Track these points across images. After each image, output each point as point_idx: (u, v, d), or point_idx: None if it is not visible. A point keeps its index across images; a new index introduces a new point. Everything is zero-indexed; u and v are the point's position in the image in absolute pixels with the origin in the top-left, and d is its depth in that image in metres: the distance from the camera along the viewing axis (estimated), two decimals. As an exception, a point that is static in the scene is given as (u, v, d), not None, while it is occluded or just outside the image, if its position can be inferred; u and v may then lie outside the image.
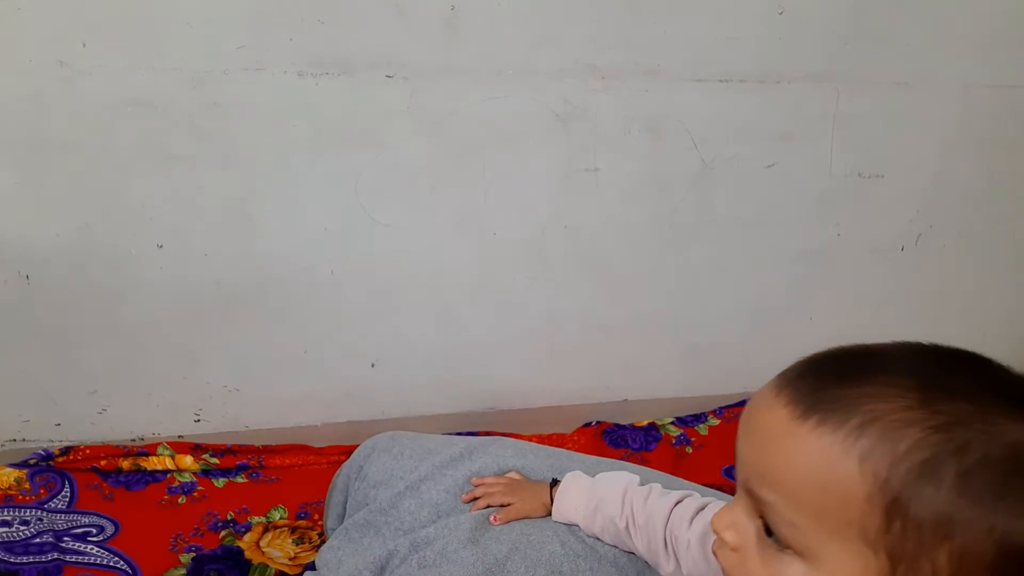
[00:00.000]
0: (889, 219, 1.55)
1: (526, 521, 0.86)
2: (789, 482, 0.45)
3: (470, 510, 0.88)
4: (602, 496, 0.83)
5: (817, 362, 0.47)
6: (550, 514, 0.87)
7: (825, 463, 0.43)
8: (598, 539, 0.83)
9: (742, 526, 0.49)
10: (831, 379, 0.45)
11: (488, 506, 0.88)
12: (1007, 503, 0.40)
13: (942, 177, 1.54)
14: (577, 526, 0.85)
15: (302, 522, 1.24)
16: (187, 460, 1.32)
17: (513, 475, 0.93)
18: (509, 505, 0.87)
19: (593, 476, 0.87)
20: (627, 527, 0.79)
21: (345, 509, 0.98)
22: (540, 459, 0.96)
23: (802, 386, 0.46)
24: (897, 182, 1.52)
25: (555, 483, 0.89)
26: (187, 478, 1.30)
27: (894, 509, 0.42)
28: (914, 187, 1.54)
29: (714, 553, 0.52)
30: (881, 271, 1.59)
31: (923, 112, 1.48)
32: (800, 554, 0.45)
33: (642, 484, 0.83)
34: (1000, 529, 0.40)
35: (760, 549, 0.48)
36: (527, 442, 1.04)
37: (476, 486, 0.91)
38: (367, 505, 0.92)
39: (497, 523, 0.85)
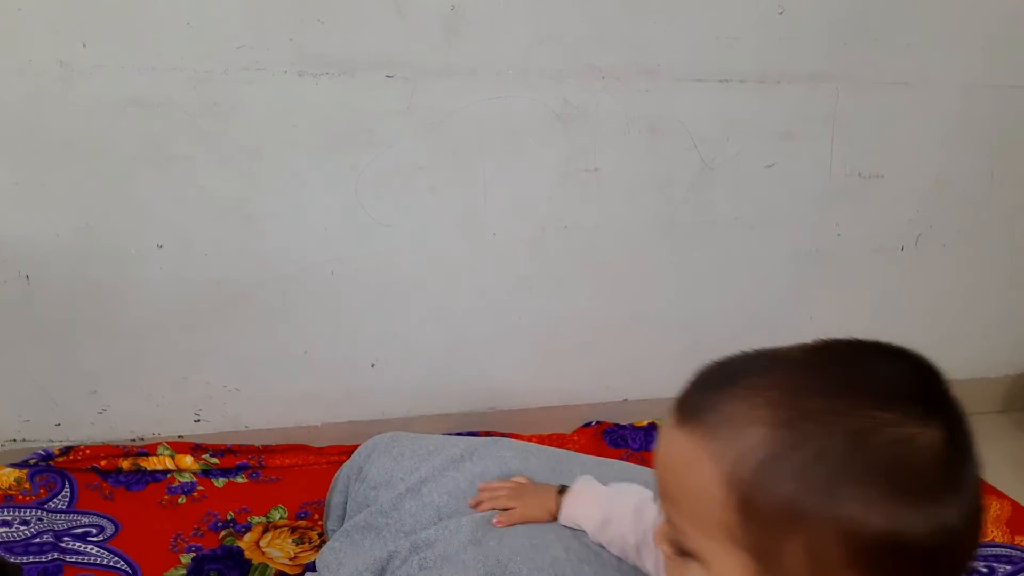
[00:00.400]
0: (889, 219, 1.55)
1: (530, 524, 0.85)
2: (670, 489, 0.46)
3: (475, 512, 0.87)
4: (614, 510, 0.82)
5: (704, 369, 0.48)
6: (554, 519, 0.86)
7: (689, 466, 0.44)
8: (603, 547, 0.83)
9: (667, 537, 0.49)
10: (705, 385, 0.47)
11: (492, 509, 0.87)
12: (846, 492, 0.41)
13: (942, 177, 1.54)
14: (583, 531, 0.84)
15: (302, 522, 1.24)
16: (187, 460, 1.32)
17: (519, 479, 0.92)
18: (513, 508, 0.87)
19: (594, 477, 0.87)
20: (637, 545, 0.78)
21: (345, 510, 0.98)
22: (541, 460, 0.96)
23: (683, 394, 0.47)
24: (897, 182, 1.52)
25: (563, 489, 0.88)
26: (187, 478, 1.30)
27: (746, 507, 0.43)
28: (914, 187, 1.54)
29: None
30: (881, 271, 1.59)
31: (923, 112, 1.48)
32: (698, 559, 0.46)
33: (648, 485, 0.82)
34: (843, 518, 0.41)
35: (677, 557, 0.48)
36: (528, 443, 1.04)
37: (481, 490, 0.90)
38: (368, 507, 0.92)
39: (500, 525, 0.85)
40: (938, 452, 0.43)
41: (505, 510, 0.87)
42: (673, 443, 0.46)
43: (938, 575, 0.43)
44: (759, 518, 0.43)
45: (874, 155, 1.49)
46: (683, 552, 0.47)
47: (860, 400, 0.43)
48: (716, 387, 0.46)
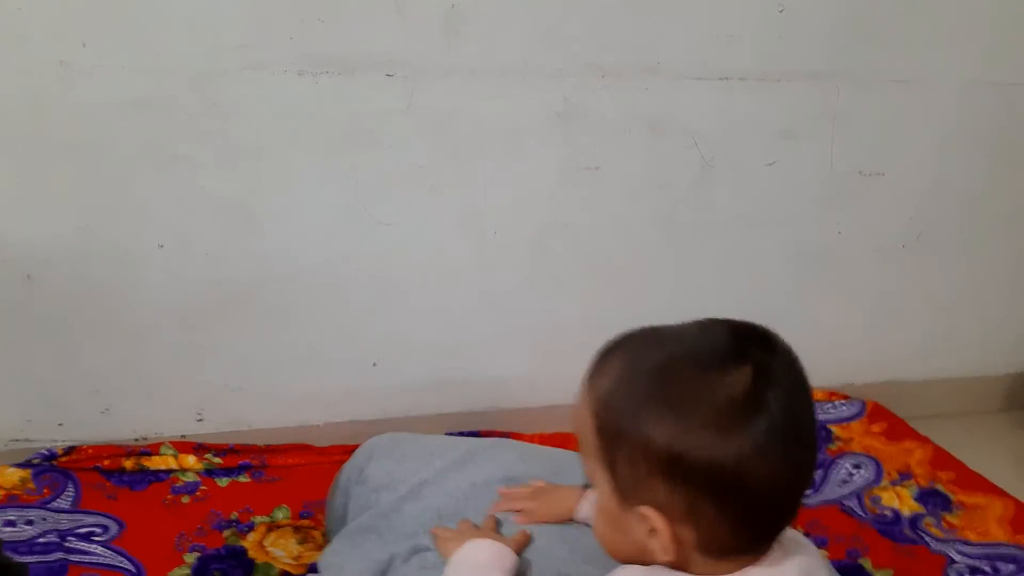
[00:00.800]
0: (890, 217, 1.55)
1: (538, 525, 0.85)
2: (577, 431, 0.62)
3: (491, 511, 0.87)
4: None
5: (607, 342, 0.63)
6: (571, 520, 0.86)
7: (580, 409, 0.61)
8: None
9: (585, 475, 0.64)
10: (601, 353, 0.62)
11: (509, 510, 0.87)
12: (645, 416, 0.55)
13: (942, 175, 1.54)
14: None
15: (305, 521, 1.24)
16: (190, 460, 1.32)
17: (537, 483, 0.92)
18: (532, 509, 0.86)
19: None
20: None
21: (346, 511, 0.98)
22: (543, 462, 0.96)
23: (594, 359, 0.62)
24: (898, 180, 1.52)
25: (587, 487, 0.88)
26: (190, 478, 1.30)
27: (600, 430, 0.59)
28: (914, 185, 1.53)
29: None
30: (882, 269, 1.58)
31: (923, 110, 1.48)
32: (593, 483, 0.61)
33: None
34: (642, 435, 0.55)
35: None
36: (529, 444, 1.04)
37: (503, 495, 0.90)
38: (369, 509, 0.92)
39: (519, 523, 0.84)
40: (732, 397, 0.54)
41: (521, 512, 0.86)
42: (578, 397, 0.62)
43: (726, 497, 0.54)
44: (605, 437, 0.58)
45: (875, 153, 1.49)
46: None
47: (678, 354, 0.58)
48: (604, 353, 0.62)
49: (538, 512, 0.86)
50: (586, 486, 0.87)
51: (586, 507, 0.84)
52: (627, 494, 0.58)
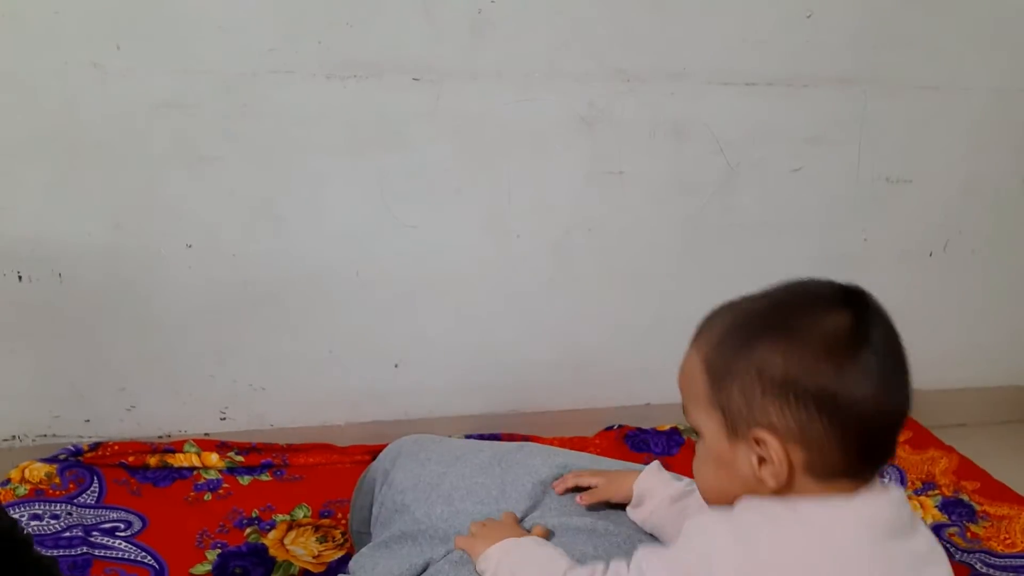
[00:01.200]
0: (917, 224, 1.54)
1: (568, 518, 0.85)
2: (682, 386, 0.66)
3: (556, 490, 0.88)
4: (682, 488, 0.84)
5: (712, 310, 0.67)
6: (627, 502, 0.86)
7: (687, 362, 0.65)
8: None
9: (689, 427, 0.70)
10: (709, 315, 0.66)
11: (575, 488, 0.88)
12: (759, 344, 0.60)
13: (971, 181, 1.52)
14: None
15: (325, 520, 1.25)
16: (213, 457, 1.33)
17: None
18: (596, 488, 0.87)
19: None
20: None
21: (371, 512, 0.98)
22: (569, 466, 0.95)
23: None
24: (925, 187, 1.50)
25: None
26: (213, 475, 1.31)
27: (710, 374, 0.62)
28: (942, 192, 1.52)
29: None
30: (909, 276, 1.57)
31: (951, 116, 1.46)
32: (699, 432, 0.65)
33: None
34: (756, 360, 0.60)
35: (695, 442, 0.68)
36: (551, 447, 1.03)
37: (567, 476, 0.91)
38: (396, 511, 0.92)
39: (582, 503, 0.86)
40: (838, 330, 0.59)
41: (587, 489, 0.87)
42: (685, 354, 0.66)
43: (835, 417, 0.58)
44: (716, 377, 0.62)
45: (902, 160, 1.48)
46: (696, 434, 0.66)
47: (783, 299, 0.64)
48: (708, 317, 0.66)
49: (603, 491, 0.87)
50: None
51: (645, 482, 0.86)
52: (739, 425, 0.61)
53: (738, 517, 0.61)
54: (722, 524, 0.62)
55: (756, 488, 0.61)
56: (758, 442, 0.60)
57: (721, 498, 0.65)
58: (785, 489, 0.60)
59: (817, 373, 0.58)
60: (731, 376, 0.61)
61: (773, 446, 0.59)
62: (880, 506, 0.60)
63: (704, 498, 0.67)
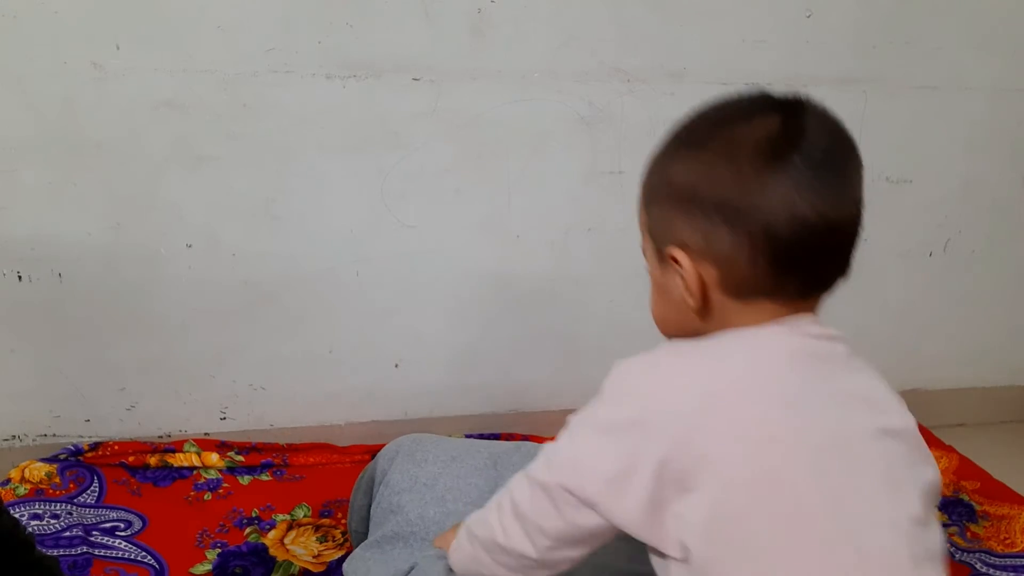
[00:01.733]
0: (917, 224, 1.54)
1: None
2: (639, 227, 0.66)
3: None
4: None
5: None
6: None
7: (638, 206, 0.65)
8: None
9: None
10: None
11: None
12: (667, 159, 0.61)
13: (971, 182, 1.52)
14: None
15: (325, 520, 1.25)
16: (213, 457, 1.33)
17: None
18: None
19: None
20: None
21: (369, 512, 0.98)
22: None
23: None
24: (925, 187, 1.50)
25: None
26: (213, 475, 1.32)
27: (642, 202, 0.64)
28: (942, 192, 1.52)
29: None
30: (909, 277, 1.57)
31: (951, 116, 1.46)
32: (646, 259, 0.65)
33: None
34: (667, 176, 0.60)
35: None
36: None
37: None
38: (392, 512, 0.92)
39: None
40: (749, 138, 0.56)
41: None
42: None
43: (738, 226, 0.55)
44: (645, 202, 0.63)
45: (902, 160, 1.48)
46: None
47: (708, 114, 0.61)
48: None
49: None
50: None
51: None
52: (660, 248, 0.60)
53: (653, 352, 0.61)
54: (636, 358, 0.61)
55: (688, 314, 0.60)
56: (674, 260, 0.59)
57: (669, 328, 0.65)
58: (707, 313, 0.59)
59: (717, 181, 0.56)
60: (652, 196, 0.62)
61: (684, 262, 0.58)
62: (794, 335, 0.57)
63: (660, 331, 0.67)
